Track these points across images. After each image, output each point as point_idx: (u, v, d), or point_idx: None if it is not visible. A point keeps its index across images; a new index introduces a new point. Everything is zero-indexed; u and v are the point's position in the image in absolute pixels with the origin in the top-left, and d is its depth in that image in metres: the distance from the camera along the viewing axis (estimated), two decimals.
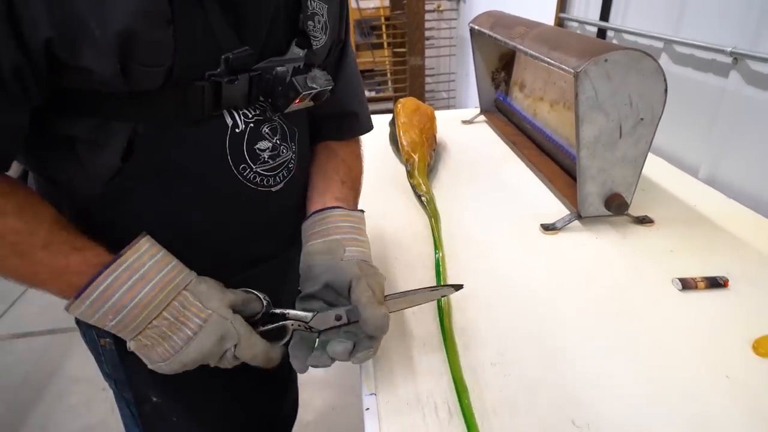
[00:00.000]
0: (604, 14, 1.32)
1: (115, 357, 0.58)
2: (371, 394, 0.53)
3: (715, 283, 0.68)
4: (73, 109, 0.45)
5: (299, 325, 0.51)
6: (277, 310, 0.52)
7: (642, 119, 0.75)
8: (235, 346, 0.47)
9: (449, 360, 0.56)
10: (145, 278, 0.44)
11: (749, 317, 0.62)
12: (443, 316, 0.63)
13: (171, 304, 0.45)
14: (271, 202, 0.56)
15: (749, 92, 0.92)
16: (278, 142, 0.55)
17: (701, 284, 0.68)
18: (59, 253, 0.44)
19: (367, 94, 0.78)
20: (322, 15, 0.55)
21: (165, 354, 0.46)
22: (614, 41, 1.31)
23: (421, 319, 0.64)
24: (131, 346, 0.46)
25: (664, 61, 1.12)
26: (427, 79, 3.12)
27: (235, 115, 0.50)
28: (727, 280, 0.68)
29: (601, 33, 1.35)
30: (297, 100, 0.50)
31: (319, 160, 0.65)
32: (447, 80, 3.31)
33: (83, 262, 0.44)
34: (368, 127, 0.71)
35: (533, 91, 1.21)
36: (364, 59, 3.68)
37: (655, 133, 0.76)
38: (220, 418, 0.68)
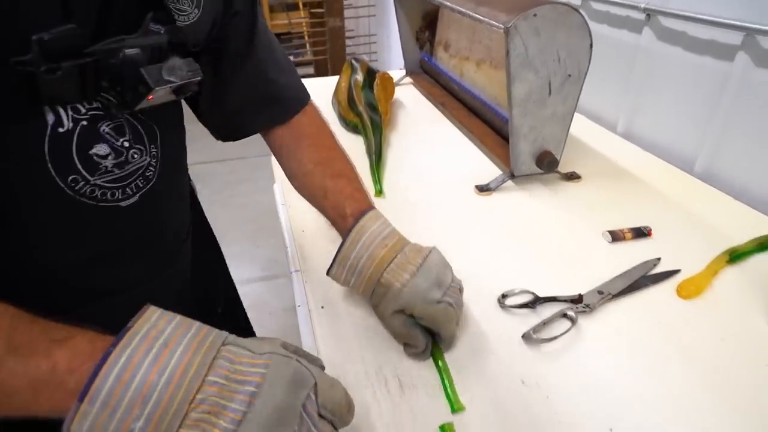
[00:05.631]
0: None
1: None
2: None
3: (641, 233, 0.72)
4: None
5: None
6: None
7: (569, 75, 0.75)
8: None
9: None
10: (170, 345, 0.32)
11: (672, 262, 0.66)
12: None
13: (213, 364, 0.32)
14: (121, 220, 0.45)
15: (661, 48, 0.96)
16: (125, 144, 0.42)
17: (628, 235, 0.71)
18: (36, 354, 0.31)
19: None
20: None
21: None
22: None
23: None
24: None
25: None
26: (347, 41, 3.02)
27: (60, 110, 0.37)
28: (651, 230, 0.72)
29: None
30: (149, 96, 0.39)
31: (296, 155, 0.59)
32: (367, 42, 3.22)
33: (73, 356, 0.31)
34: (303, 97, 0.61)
35: (458, 51, 1.19)
36: (279, 21, 3.46)
37: (581, 89, 0.77)
38: None
